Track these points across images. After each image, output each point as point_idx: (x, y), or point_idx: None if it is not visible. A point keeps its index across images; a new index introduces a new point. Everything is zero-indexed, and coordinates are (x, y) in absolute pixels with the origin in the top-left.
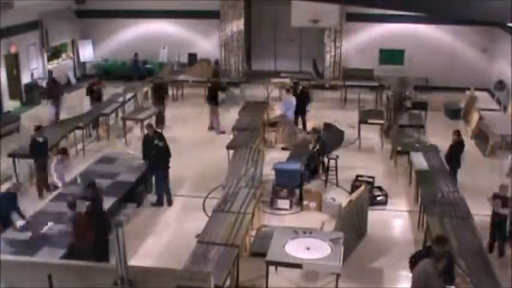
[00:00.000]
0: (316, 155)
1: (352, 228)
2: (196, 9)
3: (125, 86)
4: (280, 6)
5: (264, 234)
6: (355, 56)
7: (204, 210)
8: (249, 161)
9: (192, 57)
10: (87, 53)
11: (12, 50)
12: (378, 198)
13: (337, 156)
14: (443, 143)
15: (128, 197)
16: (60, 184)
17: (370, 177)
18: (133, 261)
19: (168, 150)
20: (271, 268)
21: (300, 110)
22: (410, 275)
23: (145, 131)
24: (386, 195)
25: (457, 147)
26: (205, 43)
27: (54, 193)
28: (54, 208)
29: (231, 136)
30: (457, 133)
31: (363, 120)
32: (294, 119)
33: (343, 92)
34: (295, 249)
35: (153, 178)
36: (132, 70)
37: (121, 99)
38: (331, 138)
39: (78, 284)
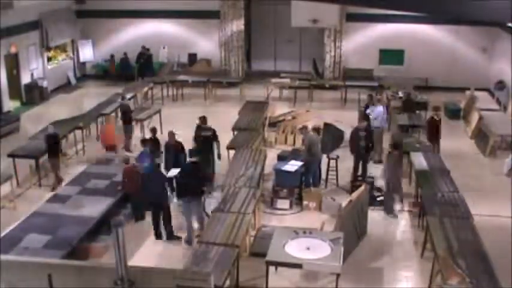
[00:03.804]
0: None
1: (352, 228)
2: (196, 9)
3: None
4: (280, 6)
5: (264, 234)
6: (355, 56)
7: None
8: (249, 161)
9: (192, 57)
10: (87, 53)
11: (12, 50)
12: (378, 199)
13: (338, 156)
14: (443, 143)
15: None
16: None
17: (370, 177)
18: (133, 261)
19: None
20: (271, 268)
21: None
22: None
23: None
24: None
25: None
26: (205, 43)
27: None
28: None
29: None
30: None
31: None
32: None
33: (343, 92)
34: (295, 249)
35: None
36: (121, 69)
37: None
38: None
39: (78, 284)
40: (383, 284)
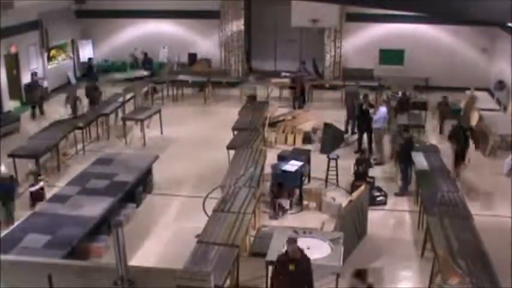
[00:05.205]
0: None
1: (352, 228)
2: (196, 9)
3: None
4: (280, 6)
5: (264, 234)
6: (355, 56)
7: (204, 210)
8: (249, 161)
9: (192, 57)
10: (87, 53)
11: (12, 50)
12: (378, 199)
13: (338, 156)
14: (443, 143)
15: (127, 198)
16: None
17: (370, 177)
18: (133, 261)
19: None
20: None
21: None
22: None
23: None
24: (385, 196)
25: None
26: (205, 43)
27: None
28: None
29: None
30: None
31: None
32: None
33: (343, 92)
34: None
35: None
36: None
37: (121, 99)
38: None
39: (78, 284)
40: (383, 284)
